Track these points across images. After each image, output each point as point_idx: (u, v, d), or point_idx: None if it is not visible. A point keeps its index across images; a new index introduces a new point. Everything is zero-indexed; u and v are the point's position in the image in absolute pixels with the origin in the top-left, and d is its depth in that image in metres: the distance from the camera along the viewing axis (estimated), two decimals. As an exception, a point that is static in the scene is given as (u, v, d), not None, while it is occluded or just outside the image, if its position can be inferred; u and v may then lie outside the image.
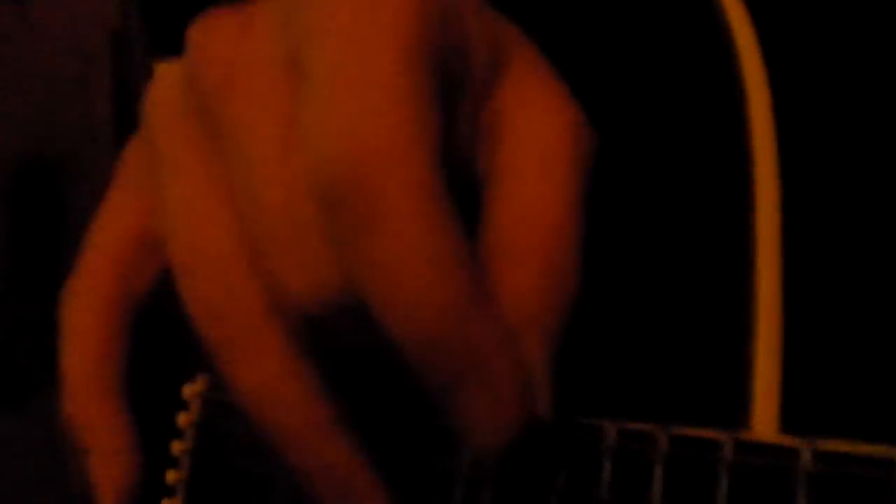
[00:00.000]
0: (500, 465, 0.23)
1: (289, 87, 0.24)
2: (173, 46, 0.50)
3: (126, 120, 1.27)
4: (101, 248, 0.28)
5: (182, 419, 0.33)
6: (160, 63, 1.15)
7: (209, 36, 0.24)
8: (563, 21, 0.31)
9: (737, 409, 0.22)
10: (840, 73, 0.28)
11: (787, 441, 0.19)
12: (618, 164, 0.27)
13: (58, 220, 1.31)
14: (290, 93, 0.23)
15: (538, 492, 0.23)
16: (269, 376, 0.25)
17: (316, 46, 0.23)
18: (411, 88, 0.22)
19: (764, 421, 0.22)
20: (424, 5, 0.23)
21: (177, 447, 0.33)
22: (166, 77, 0.26)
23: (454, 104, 0.24)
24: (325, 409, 0.24)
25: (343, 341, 0.24)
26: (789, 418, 0.22)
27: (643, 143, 0.28)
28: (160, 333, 0.29)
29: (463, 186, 0.25)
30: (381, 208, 0.21)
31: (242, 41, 0.24)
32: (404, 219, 0.22)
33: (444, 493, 0.24)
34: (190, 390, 0.33)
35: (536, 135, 0.25)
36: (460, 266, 0.22)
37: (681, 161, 0.27)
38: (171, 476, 0.32)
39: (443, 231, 0.22)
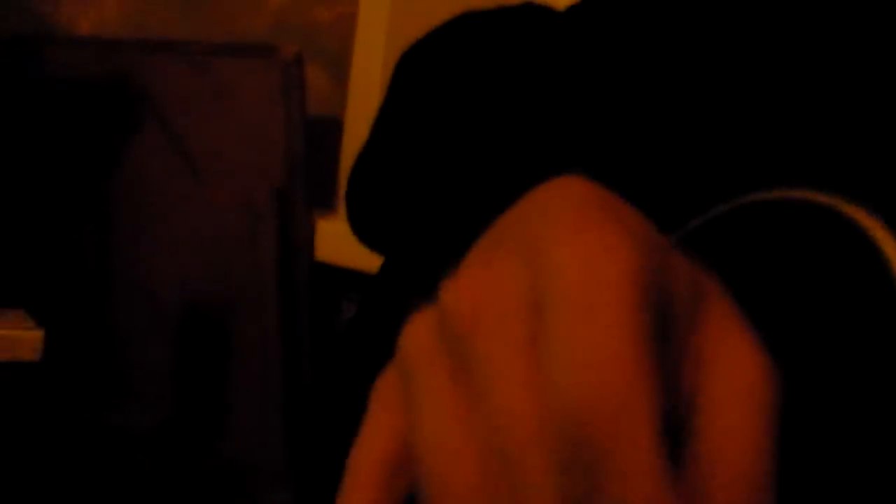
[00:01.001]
0: None
1: (531, 327, 0.26)
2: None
3: (288, 270, 1.32)
4: (363, 468, 0.31)
5: None
6: (320, 218, 1.19)
7: (460, 286, 0.28)
8: (738, 266, 0.33)
9: None
10: None
11: None
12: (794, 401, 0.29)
13: (222, 358, 1.36)
14: (533, 332, 0.26)
15: None
16: None
17: (552, 296, 0.26)
18: (641, 348, 0.25)
19: None
20: (643, 263, 0.26)
21: None
22: (422, 318, 0.30)
23: (666, 343, 0.27)
24: None
25: None
26: None
27: (817, 383, 0.30)
28: None
29: (671, 414, 0.28)
30: (612, 459, 0.24)
31: (487, 286, 0.28)
32: (633, 475, 0.24)
33: None
34: None
35: (737, 371, 0.27)
36: None
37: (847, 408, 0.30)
38: None
39: (664, 489, 0.24)
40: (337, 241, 1.23)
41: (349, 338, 0.55)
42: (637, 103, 0.43)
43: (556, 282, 0.26)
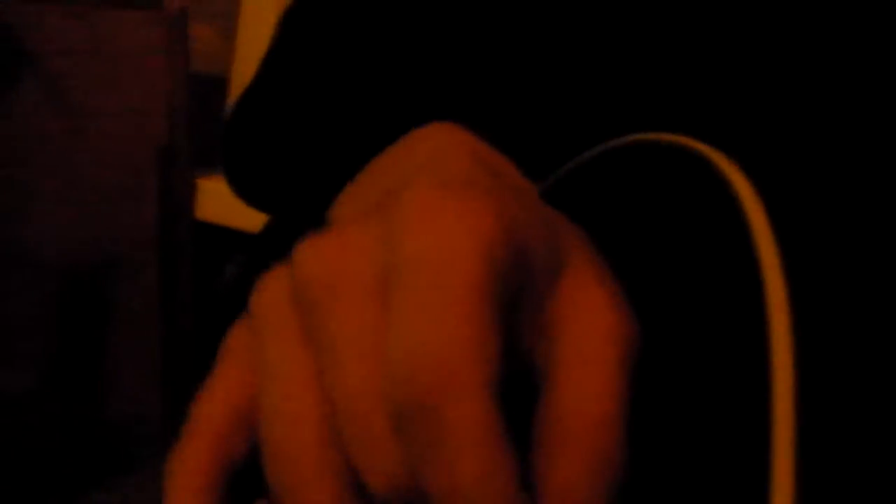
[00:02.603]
0: None
1: (377, 304, 0.27)
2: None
3: (168, 228, 1.30)
4: (206, 419, 0.31)
5: None
6: (203, 178, 1.18)
7: (313, 253, 0.28)
8: (603, 213, 0.34)
9: None
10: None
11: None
12: (654, 354, 0.30)
13: (99, 318, 1.34)
14: (378, 310, 0.27)
15: None
16: None
17: (398, 275, 0.26)
18: (476, 320, 0.25)
19: None
20: (497, 238, 0.26)
21: None
22: (276, 276, 0.30)
23: (518, 308, 0.27)
24: None
25: None
26: None
27: (672, 323, 0.31)
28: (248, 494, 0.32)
29: (524, 372, 0.28)
30: (443, 430, 0.25)
31: (341, 255, 0.28)
32: (464, 442, 0.25)
33: None
34: None
35: (590, 332, 0.27)
36: (510, 486, 0.25)
37: (706, 344, 0.31)
38: None
39: (497, 455, 0.25)
40: (221, 201, 1.22)
41: (230, 298, 0.55)
42: (507, 51, 0.44)
43: (405, 255, 0.26)
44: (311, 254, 0.28)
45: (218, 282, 1.31)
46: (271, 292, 0.29)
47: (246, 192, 0.54)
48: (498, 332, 0.26)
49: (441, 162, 0.30)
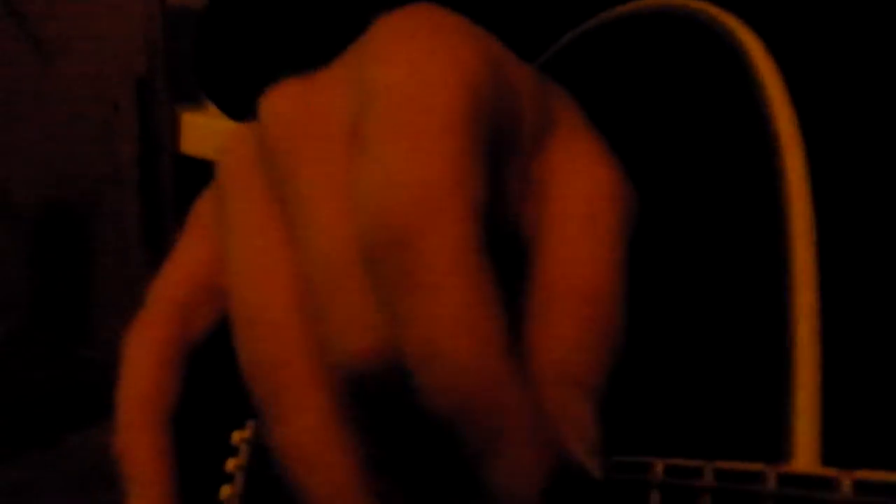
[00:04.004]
0: None
1: (349, 148, 0.25)
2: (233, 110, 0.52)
3: (149, 163, 1.28)
4: (166, 290, 0.29)
5: (231, 464, 0.34)
6: (185, 111, 1.16)
7: (279, 101, 0.25)
8: (602, 83, 0.32)
9: (779, 443, 0.23)
10: (870, 120, 0.29)
11: (828, 472, 0.21)
12: (655, 220, 0.27)
13: (80, 259, 1.32)
14: (350, 153, 0.24)
15: None
16: (305, 434, 0.25)
17: (370, 108, 0.23)
18: (458, 149, 0.22)
19: (806, 454, 0.23)
20: (478, 69, 0.24)
21: (225, 492, 0.34)
22: (240, 137, 0.27)
23: (504, 163, 0.25)
24: (357, 473, 0.25)
25: (386, 400, 0.24)
26: (831, 451, 0.23)
27: (679, 197, 0.29)
28: (215, 378, 0.30)
29: (512, 241, 0.26)
30: (420, 265, 0.22)
31: (309, 106, 0.25)
32: (443, 276, 0.22)
33: None
34: (239, 436, 0.34)
35: (581, 193, 0.25)
36: (496, 333, 0.22)
37: (715, 210, 0.28)
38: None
39: (481, 295, 0.22)
40: (203, 134, 1.19)
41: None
42: None
43: (376, 86, 0.23)
44: (277, 101, 0.25)
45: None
46: (236, 153, 0.27)
47: (221, 98, 0.52)
48: (482, 170, 0.23)
49: (413, 17, 0.26)
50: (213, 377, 0.30)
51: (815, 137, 0.26)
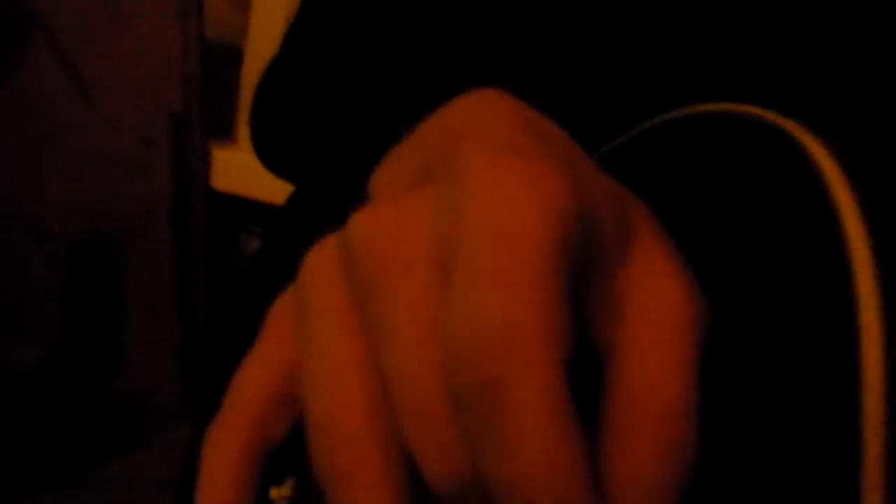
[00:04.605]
0: None
1: (436, 276, 0.25)
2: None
3: (182, 199, 1.29)
4: (246, 392, 0.29)
5: None
6: (217, 147, 1.16)
7: (370, 224, 0.26)
8: (668, 184, 0.32)
9: None
10: None
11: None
12: (725, 332, 0.28)
13: (113, 291, 1.33)
14: (441, 282, 0.25)
15: None
16: None
17: (460, 244, 0.24)
18: (547, 293, 0.23)
19: None
20: (568, 204, 0.24)
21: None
22: (327, 246, 0.28)
23: (586, 283, 0.26)
24: None
25: None
26: None
27: (748, 305, 0.29)
28: None
29: (589, 348, 0.27)
30: (508, 410, 0.23)
31: (397, 225, 0.26)
32: (530, 419, 0.23)
33: None
34: (277, 493, 0.34)
35: (660, 312, 0.26)
36: (579, 471, 0.23)
37: (786, 320, 0.28)
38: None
39: (566, 435, 0.23)
40: (235, 171, 1.21)
41: (253, 270, 0.53)
42: (559, 16, 0.42)
43: (468, 223, 0.24)
44: (366, 224, 0.26)
45: (234, 252, 1.30)
46: (320, 263, 0.27)
47: (274, 162, 0.53)
48: (567, 306, 0.24)
49: (489, 127, 0.27)
50: None
51: (884, 245, 0.26)
